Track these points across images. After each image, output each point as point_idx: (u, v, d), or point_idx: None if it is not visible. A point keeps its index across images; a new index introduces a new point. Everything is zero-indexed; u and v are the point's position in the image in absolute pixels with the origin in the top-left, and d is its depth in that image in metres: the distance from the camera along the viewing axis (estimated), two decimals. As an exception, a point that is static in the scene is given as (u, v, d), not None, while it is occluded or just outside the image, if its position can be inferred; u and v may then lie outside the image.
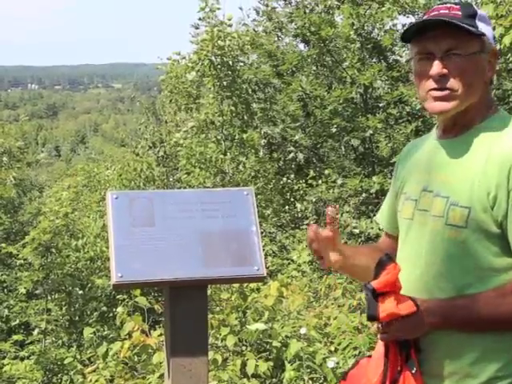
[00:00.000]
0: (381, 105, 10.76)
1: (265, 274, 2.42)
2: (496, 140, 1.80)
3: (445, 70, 1.81)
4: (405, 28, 1.91)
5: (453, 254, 1.80)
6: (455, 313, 1.77)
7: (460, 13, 1.82)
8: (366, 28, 10.74)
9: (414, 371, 1.81)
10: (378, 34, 10.96)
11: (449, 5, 1.86)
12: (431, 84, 1.84)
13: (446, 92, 1.83)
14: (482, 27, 1.84)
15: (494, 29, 5.59)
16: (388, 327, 1.79)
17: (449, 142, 1.89)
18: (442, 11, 1.85)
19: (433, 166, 1.90)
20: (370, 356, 2.00)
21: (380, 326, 1.81)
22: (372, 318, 1.78)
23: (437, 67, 1.82)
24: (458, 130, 1.88)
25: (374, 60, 11.16)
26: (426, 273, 1.84)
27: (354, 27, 10.53)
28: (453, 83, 1.82)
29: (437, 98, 1.84)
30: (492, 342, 1.77)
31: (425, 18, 1.86)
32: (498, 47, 6.44)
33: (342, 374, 4.18)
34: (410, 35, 1.87)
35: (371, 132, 10.33)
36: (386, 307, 1.76)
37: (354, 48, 10.86)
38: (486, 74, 1.85)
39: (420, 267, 1.85)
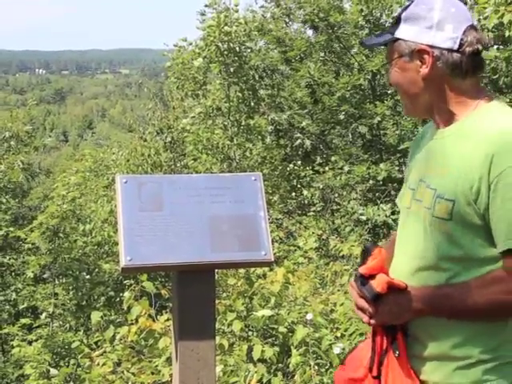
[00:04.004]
0: (389, 91, 10.72)
1: (272, 259, 2.43)
2: (480, 133, 1.81)
3: (388, 81, 2.01)
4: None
5: (440, 244, 1.84)
6: (440, 301, 1.81)
7: (393, 21, 1.93)
8: (374, 14, 10.69)
9: (397, 354, 1.87)
10: (387, 21, 10.91)
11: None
12: None
13: (400, 97, 1.97)
14: (403, 30, 1.88)
15: (502, 16, 5.55)
16: (378, 309, 1.83)
17: (438, 134, 1.93)
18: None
19: (428, 156, 1.94)
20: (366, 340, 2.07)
21: (371, 309, 1.84)
22: (374, 297, 1.81)
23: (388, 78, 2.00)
24: (444, 123, 1.92)
25: (382, 47, 11.09)
26: (417, 261, 1.88)
27: (363, 13, 10.48)
28: (399, 91, 1.95)
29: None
30: (476, 327, 1.82)
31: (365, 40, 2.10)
32: (507, 34, 6.43)
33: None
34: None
35: (379, 119, 10.31)
36: (380, 280, 1.82)
37: (363, 34, 10.81)
38: (417, 74, 1.87)
39: (412, 255, 1.90)
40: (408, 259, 1.90)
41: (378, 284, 1.81)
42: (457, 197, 1.79)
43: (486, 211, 1.77)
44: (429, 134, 2.01)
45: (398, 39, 1.88)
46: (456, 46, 1.84)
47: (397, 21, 1.89)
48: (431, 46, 1.84)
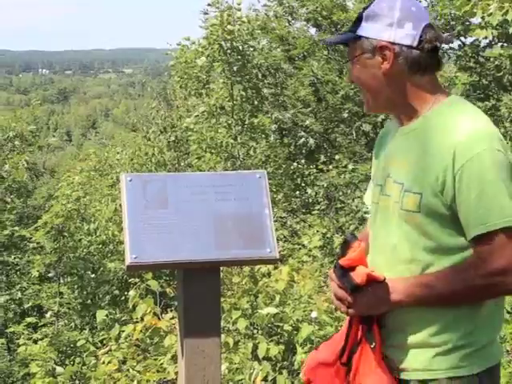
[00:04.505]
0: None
1: (277, 257, 2.43)
2: (442, 127, 1.88)
3: (347, 79, 2.01)
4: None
5: (411, 236, 1.89)
6: (417, 291, 1.86)
7: (354, 20, 1.96)
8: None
9: (373, 346, 1.91)
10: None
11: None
12: None
13: (362, 95, 2.01)
14: (365, 27, 1.93)
15: (506, 13, 5.54)
16: (357, 300, 1.87)
17: (401, 130, 1.98)
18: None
19: (392, 152, 2.00)
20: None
21: (349, 299, 1.88)
22: (354, 288, 1.86)
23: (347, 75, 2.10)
24: (406, 119, 1.97)
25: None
26: (391, 255, 1.94)
27: (366, 11, 10.46)
28: (361, 88, 2.00)
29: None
30: (451, 314, 1.88)
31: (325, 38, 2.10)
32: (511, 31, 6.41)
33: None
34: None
35: (383, 117, 10.31)
36: (359, 272, 1.87)
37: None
38: (378, 70, 1.92)
39: (385, 250, 1.95)
40: (381, 253, 1.96)
41: (357, 275, 1.86)
42: (424, 189, 1.85)
43: (453, 201, 1.83)
44: (392, 131, 2.07)
45: (361, 37, 1.93)
46: (415, 43, 1.90)
47: (358, 19, 1.94)
48: (392, 43, 1.90)
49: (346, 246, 1.93)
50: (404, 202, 1.89)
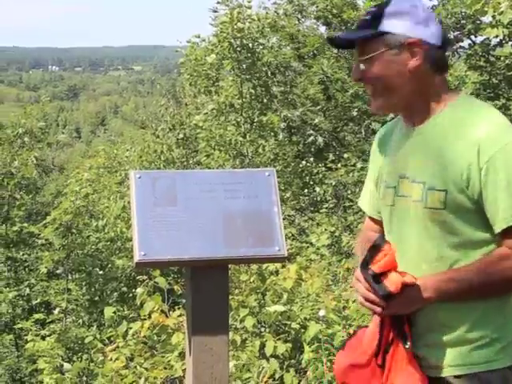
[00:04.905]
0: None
1: (286, 255, 2.42)
2: (462, 124, 1.90)
3: (356, 76, 1.99)
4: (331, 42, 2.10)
5: (436, 234, 1.91)
6: (448, 286, 1.87)
7: (368, 17, 1.96)
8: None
9: (407, 346, 1.90)
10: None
11: (368, 10, 2.00)
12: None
13: (372, 94, 2.00)
14: (389, 24, 1.92)
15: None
16: (389, 304, 1.85)
17: (416, 130, 1.98)
18: (360, 21, 2.02)
19: (406, 152, 2.00)
20: (366, 326, 2.08)
21: (383, 302, 1.85)
22: (386, 296, 1.83)
23: (353, 74, 2.03)
24: (420, 118, 1.97)
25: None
26: (416, 255, 1.94)
27: (376, 10, 10.43)
28: (370, 86, 1.99)
29: (371, 100, 2.03)
30: (481, 308, 1.90)
31: (336, 34, 2.08)
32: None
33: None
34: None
35: (392, 116, 10.27)
36: (393, 280, 1.83)
37: (376, 31, 10.77)
38: (404, 66, 1.92)
39: (408, 251, 1.95)
40: (404, 255, 1.94)
41: (391, 283, 1.83)
42: (448, 186, 1.87)
43: (480, 196, 1.85)
44: (397, 133, 2.08)
45: (385, 33, 1.92)
46: (439, 43, 1.94)
47: (377, 16, 1.94)
48: (421, 41, 1.92)
49: (376, 249, 1.87)
50: (428, 200, 1.90)
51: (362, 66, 1.97)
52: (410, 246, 1.95)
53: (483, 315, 1.89)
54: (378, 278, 1.84)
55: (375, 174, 2.16)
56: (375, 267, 1.84)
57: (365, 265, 1.86)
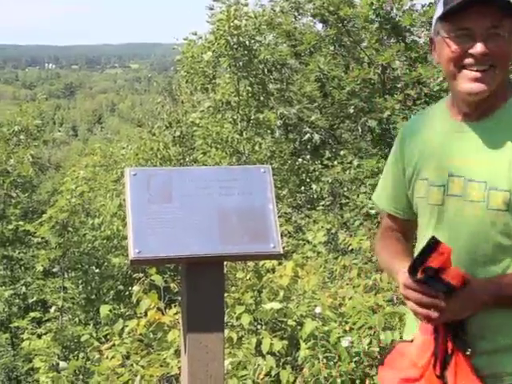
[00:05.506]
0: (399, 86, 10.67)
1: (281, 252, 2.41)
2: None
3: (487, 50, 1.75)
4: (449, 3, 1.78)
5: (494, 236, 1.82)
6: (506, 291, 1.79)
7: None
8: (384, 8, 10.64)
9: (468, 352, 1.81)
10: (397, 15, 10.85)
11: None
12: (469, 63, 1.78)
13: (485, 73, 1.78)
14: None
15: None
16: (449, 305, 1.75)
17: (474, 126, 1.86)
18: None
19: (459, 150, 1.87)
20: (406, 340, 1.98)
21: (442, 302, 1.76)
22: (449, 291, 1.74)
23: (481, 47, 1.75)
24: (481, 112, 1.85)
25: (392, 40, 11.06)
26: (468, 257, 1.84)
27: (373, 7, 10.43)
28: (492, 64, 1.78)
29: (474, 79, 1.79)
30: None
31: None
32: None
33: (356, 353, 4.20)
34: (449, 11, 1.78)
35: (389, 113, 10.27)
36: (454, 274, 1.75)
37: (373, 28, 10.77)
38: None
39: (459, 252, 1.84)
40: (459, 256, 1.83)
41: (452, 277, 1.74)
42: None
43: None
44: (435, 127, 1.95)
45: None
46: None
47: None
48: None
49: (431, 248, 1.76)
50: (491, 201, 1.80)
51: (493, 41, 1.77)
52: (460, 247, 1.84)
53: None
54: (435, 275, 1.75)
55: (409, 170, 2.00)
56: (434, 264, 1.74)
57: (417, 265, 1.75)
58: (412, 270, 1.77)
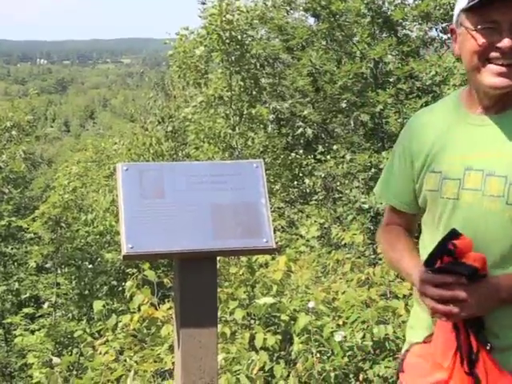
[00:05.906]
0: (391, 80, 10.69)
1: (274, 246, 2.41)
2: None
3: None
4: None
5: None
6: None
7: None
8: (376, 2, 10.64)
9: (489, 347, 1.77)
10: (389, 8, 10.86)
11: None
12: (495, 57, 1.76)
13: (510, 68, 1.75)
14: None
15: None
16: (470, 294, 1.71)
17: (495, 118, 1.83)
18: None
19: (477, 143, 1.84)
20: (421, 342, 1.93)
21: (462, 294, 1.71)
22: (473, 272, 1.70)
23: (509, 41, 1.73)
24: (501, 106, 1.83)
25: (384, 35, 11.07)
26: (484, 252, 1.79)
27: (365, 1, 10.44)
28: None
29: (499, 73, 1.76)
30: None
31: None
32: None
33: (349, 347, 4.21)
34: (476, 3, 1.74)
35: (381, 107, 10.28)
36: (475, 257, 1.71)
37: (365, 22, 10.77)
38: None
39: (475, 248, 1.79)
40: (475, 251, 1.78)
41: (474, 260, 1.70)
42: None
43: None
44: (449, 120, 1.91)
45: None
46: None
47: None
48: None
49: (452, 239, 1.71)
50: (511, 196, 1.76)
51: None
52: (476, 242, 1.77)
53: None
54: (456, 260, 1.70)
55: (418, 163, 1.94)
56: (455, 244, 1.69)
57: (437, 256, 1.70)
58: (430, 263, 1.73)
